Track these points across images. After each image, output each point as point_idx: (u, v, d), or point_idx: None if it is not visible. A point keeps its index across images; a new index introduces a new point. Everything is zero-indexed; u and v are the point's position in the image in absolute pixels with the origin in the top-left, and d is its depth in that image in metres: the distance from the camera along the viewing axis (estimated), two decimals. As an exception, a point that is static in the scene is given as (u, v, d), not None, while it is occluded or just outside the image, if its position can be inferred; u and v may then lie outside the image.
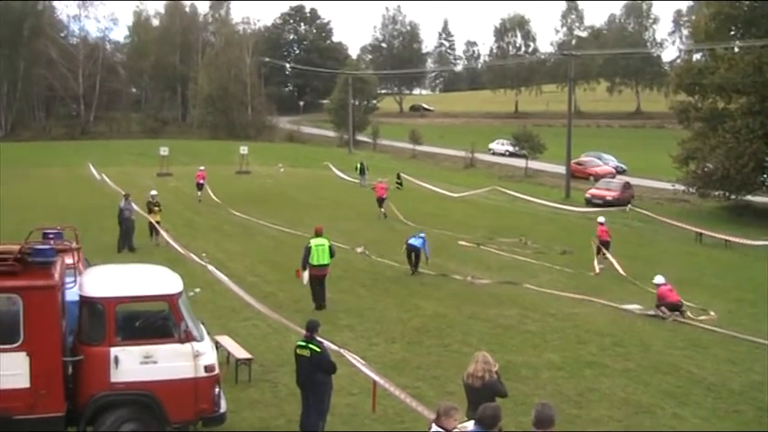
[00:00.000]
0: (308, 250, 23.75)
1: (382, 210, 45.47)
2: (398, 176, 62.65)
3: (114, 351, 12.87)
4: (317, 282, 24.01)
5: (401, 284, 27.89)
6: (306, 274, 23.84)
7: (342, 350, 16.96)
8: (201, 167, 54.65)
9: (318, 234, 24.31)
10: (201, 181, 52.06)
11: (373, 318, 23.44)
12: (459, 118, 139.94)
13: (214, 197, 50.41)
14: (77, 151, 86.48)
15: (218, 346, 17.09)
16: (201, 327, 14.17)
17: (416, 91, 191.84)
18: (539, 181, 71.22)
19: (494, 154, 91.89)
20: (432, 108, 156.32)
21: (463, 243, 37.05)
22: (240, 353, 18.08)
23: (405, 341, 21.10)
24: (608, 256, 31.78)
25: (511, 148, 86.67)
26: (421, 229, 33.64)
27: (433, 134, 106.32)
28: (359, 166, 64.57)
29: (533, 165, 76.42)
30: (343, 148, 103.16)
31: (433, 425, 9.98)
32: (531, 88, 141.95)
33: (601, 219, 34.63)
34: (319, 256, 23.71)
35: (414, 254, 29.72)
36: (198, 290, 17.52)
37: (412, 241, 29.82)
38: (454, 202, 54.68)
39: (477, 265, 31.90)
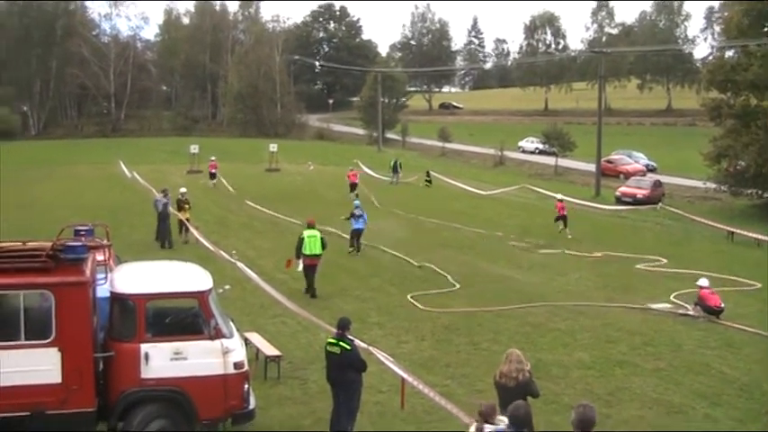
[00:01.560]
0: (300, 241, 25.42)
1: (355, 193, 50.55)
2: (428, 174, 62.71)
3: (145, 347, 12.94)
4: (310, 270, 25.41)
5: (430, 282, 27.82)
6: (300, 264, 25.43)
7: (371, 348, 16.96)
8: (213, 158, 59.63)
9: (311, 226, 26.05)
10: (214, 170, 57.48)
11: (402, 315, 23.42)
12: (488, 116, 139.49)
13: (229, 187, 51.78)
14: (108, 149, 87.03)
15: (247, 342, 17.13)
16: (231, 324, 14.22)
17: (446, 89, 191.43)
18: (569, 179, 70.86)
19: (523, 152, 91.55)
20: (461, 106, 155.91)
21: (514, 244, 36.81)
22: (269, 350, 18.11)
23: (434, 339, 21.07)
24: (566, 228, 38.90)
25: (540, 146, 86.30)
26: (356, 199, 38.19)
27: (463, 132, 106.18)
28: (393, 163, 64.65)
29: (563, 162, 76.08)
30: (373, 146, 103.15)
31: (486, 425, 9.95)
32: (560, 86, 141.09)
33: (558, 196, 42.53)
34: (311, 246, 25.29)
35: (357, 235, 32.90)
36: (227, 287, 17.55)
37: (356, 226, 32.71)
38: (484, 199, 54.54)
39: (506, 263, 31.82)
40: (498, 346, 19.76)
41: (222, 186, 55.21)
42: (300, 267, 25.50)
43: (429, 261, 31.03)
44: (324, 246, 25.60)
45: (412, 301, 24.84)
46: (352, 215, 33.04)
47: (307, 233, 25.55)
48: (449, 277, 28.18)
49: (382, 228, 38.98)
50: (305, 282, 25.58)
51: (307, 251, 25.22)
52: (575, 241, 37.27)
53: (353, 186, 53.17)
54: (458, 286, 27.14)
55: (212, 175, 57.24)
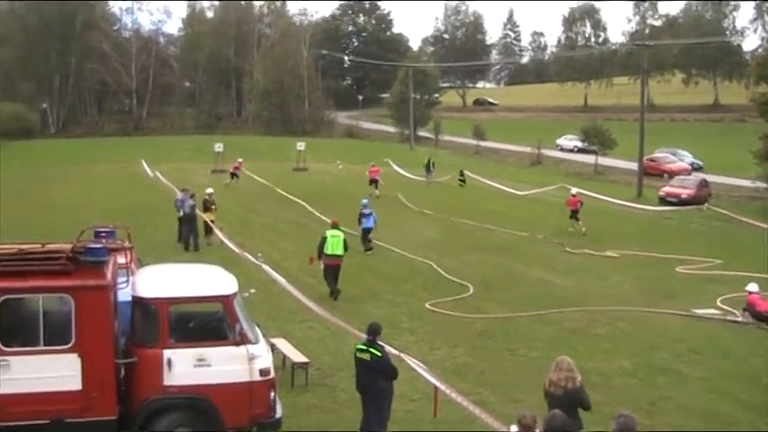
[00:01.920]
0: (323, 240, 25.95)
1: (376, 190, 52.61)
2: (461, 173, 62.55)
3: (167, 353, 13.02)
4: (331, 271, 25.81)
5: (463, 286, 27.77)
6: (321, 264, 25.89)
7: (402, 354, 16.95)
8: (240, 159, 60.78)
9: (335, 226, 26.56)
10: (233, 171, 58.51)
11: (435, 321, 23.42)
12: (524, 112, 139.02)
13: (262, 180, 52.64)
14: (130, 148, 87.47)
15: (273, 348, 17.21)
16: (257, 329, 14.27)
17: (480, 84, 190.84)
18: (609, 178, 70.52)
19: (562, 150, 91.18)
20: (496, 102, 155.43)
21: (569, 250, 36.70)
22: (296, 356, 18.15)
23: (468, 345, 21.04)
24: (572, 220, 40.63)
25: (580, 144, 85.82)
26: (365, 198, 37.91)
27: (498, 129, 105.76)
28: (426, 162, 64.68)
29: (603, 161, 75.66)
30: (404, 144, 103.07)
31: None
32: (601, 81, 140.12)
33: (573, 190, 43.68)
34: (333, 246, 25.79)
35: (367, 234, 33.78)
36: (253, 291, 17.62)
37: (365, 225, 33.65)
38: (520, 200, 54.43)
39: (543, 266, 31.72)
40: (535, 353, 19.75)
41: (244, 186, 55.49)
42: (322, 267, 25.88)
43: (463, 264, 31.05)
44: (346, 247, 26.05)
45: (431, 308, 24.81)
46: (361, 215, 33.81)
47: (330, 233, 26.05)
48: (468, 285, 28.07)
49: (413, 229, 39.03)
50: (328, 283, 25.85)
51: (328, 251, 25.66)
52: (595, 241, 37.15)
53: (373, 183, 54.63)
54: (471, 291, 27.04)
55: (233, 175, 58.11)
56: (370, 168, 57.25)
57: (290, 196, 50.05)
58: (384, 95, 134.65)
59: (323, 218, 40.57)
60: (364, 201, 35.99)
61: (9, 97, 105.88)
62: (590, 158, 77.76)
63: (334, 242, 25.73)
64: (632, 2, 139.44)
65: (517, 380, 17.96)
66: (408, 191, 54.42)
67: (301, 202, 47.28)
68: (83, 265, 12.86)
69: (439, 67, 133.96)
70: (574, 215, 40.81)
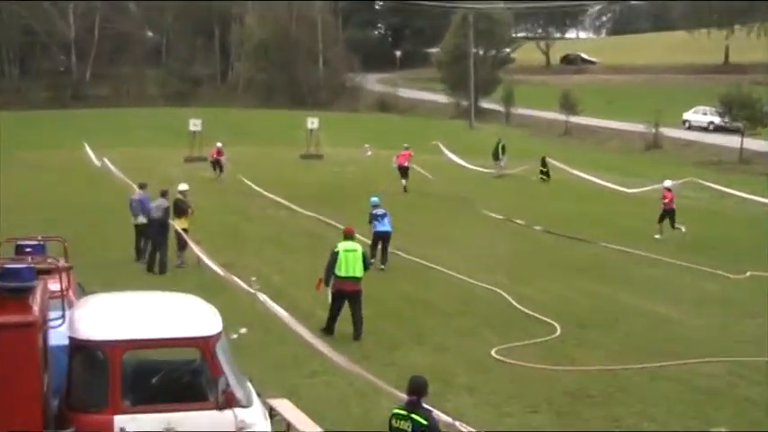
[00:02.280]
0: (334, 256, 25.57)
1: (404, 182, 56.46)
2: (544, 162, 62.46)
3: (120, 420, 12.98)
4: (345, 299, 25.57)
5: (546, 324, 27.66)
6: (330, 290, 25.66)
7: (458, 423, 16.93)
8: (219, 144, 61.18)
9: (349, 236, 26.44)
10: (217, 157, 60.60)
11: (504, 374, 23.34)
12: (636, 74, 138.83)
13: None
14: (67, 124, 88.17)
15: (272, 413, 17.22)
16: (249, 385, 14.31)
17: (571, 34, 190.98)
18: (761, 169, 70.12)
19: (690, 128, 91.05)
20: (594, 60, 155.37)
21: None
22: (306, 424, 18.15)
23: (552, 410, 20.95)
24: (673, 226, 42.10)
25: (717, 120, 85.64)
26: (377, 196, 37.05)
27: (597, 99, 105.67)
28: (496, 146, 64.62)
29: (752, 144, 75.32)
30: (461, 121, 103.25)
31: None
32: (750, 27, 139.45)
33: (667, 183, 44.87)
34: (349, 264, 25.51)
35: (382, 241, 34.45)
36: (244, 330, 17.69)
37: (381, 228, 34.33)
38: (628, 200, 54.27)
39: (661, 297, 31.52)
40: (652, 424, 19.64)
41: (232, 182, 55.56)
42: (331, 295, 25.72)
43: (546, 292, 31.00)
44: (366, 265, 26.09)
45: (499, 357, 24.68)
46: (373, 216, 34.30)
47: (343, 246, 25.84)
48: (554, 323, 27.95)
49: (475, 243, 39.03)
50: (331, 315, 25.71)
51: (342, 271, 25.37)
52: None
53: (403, 171, 57.42)
54: (558, 332, 26.94)
55: (216, 164, 59.65)
56: (399, 152, 58.36)
57: (297, 196, 50.19)
58: (432, 51, 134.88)
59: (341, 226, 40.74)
60: (374, 198, 36.10)
61: None
62: (733, 140, 77.40)
63: (350, 258, 25.47)
64: None
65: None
66: (467, 187, 54.48)
67: (314, 203, 47.39)
68: (-2, 294, 12.89)
69: (512, 10, 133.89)
70: (669, 216, 42.40)
